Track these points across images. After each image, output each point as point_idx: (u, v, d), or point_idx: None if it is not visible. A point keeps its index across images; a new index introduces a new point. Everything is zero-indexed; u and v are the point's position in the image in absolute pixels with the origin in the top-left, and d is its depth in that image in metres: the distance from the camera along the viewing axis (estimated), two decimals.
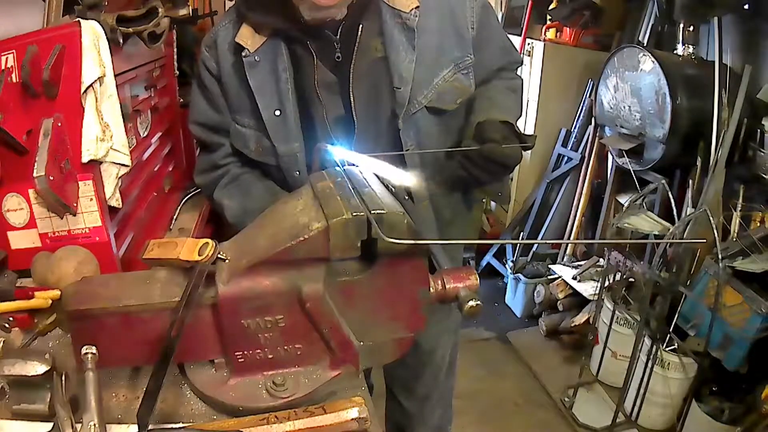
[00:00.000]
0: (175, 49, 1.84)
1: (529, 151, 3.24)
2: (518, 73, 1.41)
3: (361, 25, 1.16)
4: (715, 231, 2.03)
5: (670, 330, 2.26)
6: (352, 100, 1.19)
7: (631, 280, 2.51)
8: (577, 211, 3.23)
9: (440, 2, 1.20)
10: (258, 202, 1.23)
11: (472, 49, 1.23)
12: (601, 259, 2.91)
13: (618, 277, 2.51)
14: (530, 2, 3.52)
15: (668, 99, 2.40)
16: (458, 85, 1.23)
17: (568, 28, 3.31)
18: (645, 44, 2.83)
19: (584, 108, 3.23)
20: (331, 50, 1.18)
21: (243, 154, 1.29)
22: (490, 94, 1.28)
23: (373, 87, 1.19)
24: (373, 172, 0.90)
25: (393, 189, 1.03)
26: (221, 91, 1.26)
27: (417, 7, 1.15)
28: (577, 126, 3.27)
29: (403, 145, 1.20)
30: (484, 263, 3.69)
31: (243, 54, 1.17)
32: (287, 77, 1.17)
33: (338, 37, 1.16)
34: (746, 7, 2.36)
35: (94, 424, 0.68)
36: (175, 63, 1.85)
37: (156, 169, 1.67)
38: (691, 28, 2.55)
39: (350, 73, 1.18)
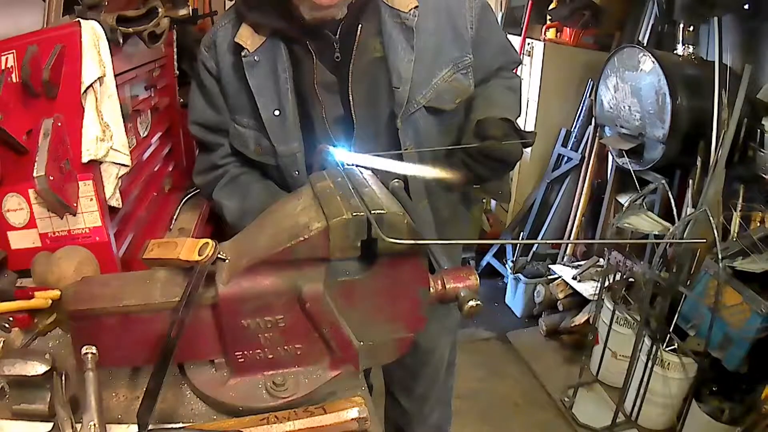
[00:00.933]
0: (175, 49, 1.84)
1: (528, 150, 3.23)
2: (517, 72, 1.41)
3: (360, 25, 1.16)
4: (715, 231, 2.03)
5: (670, 330, 2.26)
6: (351, 99, 1.19)
7: (631, 280, 2.51)
8: (577, 211, 3.23)
9: (439, 2, 1.20)
10: (256, 203, 1.23)
11: (471, 48, 1.23)
12: (601, 259, 2.91)
13: (618, 277, 2.51)
14: (530, 2, 3.51)
15: (668, 99, 2.40)
16: (457, 85, 1.23)
17: (568, 28, 3.31)
18: (645, 44, 2.82)
19: (584, 108, 3.23)
20: (331, 50, 1.17)
21: (242, 154, 1.29)
22: (489, 93, 1.28)
23: (372, 87, 1.19)
24: (371, 169, 0.91)
25: (392, 188, 1.03)
26: (220, 91, 1.25)
27: (416, 7, 1.15)
28: (577, 126, 3.27)
29: (402, 145, 1.20)
30: (484, 263, 3.69)
31: (242, 54, 1.17)
32: (287, 77, 1.17)
33: (337, 36, 1.16)
34: (746, 7, 2.36)
35: (94, 424, 0.68)
36: (175, 63, 1.85)
37: (156, 169, 1.67)
38: (691, 28, 2.55)
39: (349, 72, 1.18)
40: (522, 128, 1.10)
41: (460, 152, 1.11)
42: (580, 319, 2.83)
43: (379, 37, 1.17)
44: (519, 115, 1.33)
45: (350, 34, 1.16)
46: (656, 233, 2.28)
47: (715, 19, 2.44)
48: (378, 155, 0.97)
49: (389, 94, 1.18)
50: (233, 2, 1.27)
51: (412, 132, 1.21)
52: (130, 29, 1.25)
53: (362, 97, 1.20)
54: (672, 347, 2.26)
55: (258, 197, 1.25)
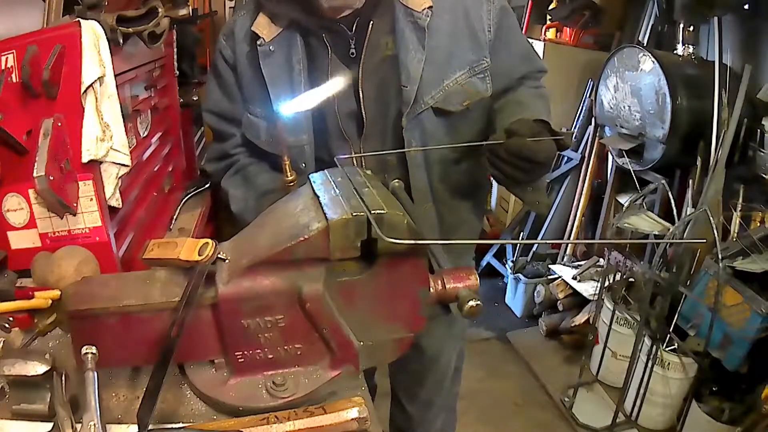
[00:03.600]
0: (175, 49, 1.84)
1: None
2: (542, 82, 1.36)
3: (371, 22, 1.16)
4: (715, 231, 2.03)
5: (670, 330, 2.26)
6: (361, 96, 1.19)
7: (631, 280, 2.51)
8: (577, 211, 3.23)
9: (455, 3, 1.19)
10: (261, 194, 1.23)
11: (489, 52, 1.21)
12: (601, 259, 2.91)
13: (618, 277, 2.51)
14: (530, 2, 3.52)
15: (668, 99, 2.40)
16: (470, 88, 1.21)
17: (568, 28, 3.32)
18: (645, 44, 2.83)
19: (584, 108, 3.23)
20: (346, 45, 1.18)
21: (253, 145, 1.30)
22: (519, 99, 1.25)
23: (382, 84, 1.19)
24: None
25: (392, 188, 1.03)
26: (236, 80, 1.26)
27: (430, 7, 1.14)
28: (577, 126, 3.27)
29: (406, 145, 1.20)
30: (484, 263, 3.69)
31: (258, 43, 1.17)
32: (300, 68, 1.17)
33: (353, 32, 1.17)
34: (746, 7, 2.37)
35: (94, 424, 0.68)
36: (175, 63, 1.86)
37: (156, 169, 1.67)
38: (691, 28, 2.55)
39: (360, 68, 1.18)
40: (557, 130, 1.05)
41: (487, 152, 1.07)
42: (580, 319, 2.83)
43: (392, 35, 1.17)
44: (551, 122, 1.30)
45: (365, 30, 1.16)
46: (656, 233, 2.28)
47: (715, 19, 2.44)
48: (385, 153, 0.96)
49: (398, 92, 1.18)
50: (233, 2, 1.28)
51: (418, 133, 1.20)
52: (130, 29, 1.25)
53: (372, 93, 1.20)
54: (672, 347, 2.26)
55: (264, 189, 1.25)
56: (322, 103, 1.18)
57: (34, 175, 1.01)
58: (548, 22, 3.43)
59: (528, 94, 1.28)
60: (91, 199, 1.15)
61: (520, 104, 1.22)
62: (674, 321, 2.26)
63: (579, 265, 3.01)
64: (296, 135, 1.21)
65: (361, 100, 1.19)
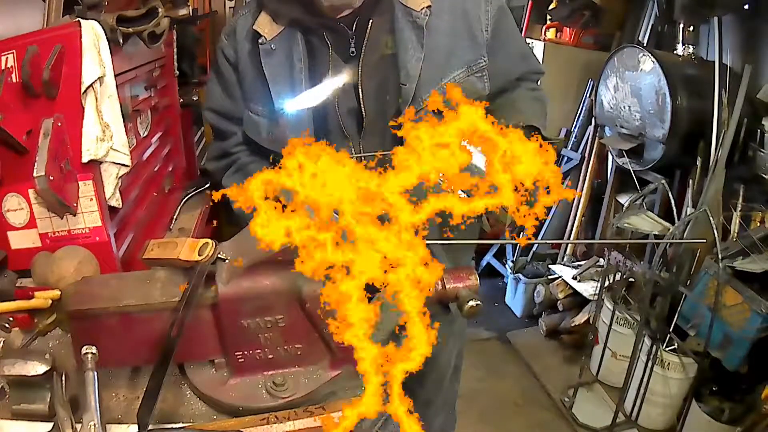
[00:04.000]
0: (175, 49, 1.84)
1: None
2: (540, 84, 1.36)
3: (371, 21, 1.17)
4: (715, 231, 2.03)
5: (670, 330, 2.26)
6: (361, 94, 1.20)
7: (631, 280, 2.51)
8: (577, 211, 3.23)
9: (454, 3, 1.20)
10: None
11: (486, 52, 1.23)
12: (601, 259, 2.91)
13: (618, 277, 2.51)
14: (530, 2, 3.52)
15: (668, 99, 2.40)
16: (468, 87, 1.22)
17: (568, 28, 3.32)
18: (645, 44, 2.83)
19: (584, 108, 3.23)
20: (346, 43, 1.19)
21: (254, 144, 1.31)
22: (514, 102, 1.26)
23: (382, 82, 1.20)
24: None
25: None
26: (237, 78, 1.27)
27: (428, 7, 1.16)
28: (577, 126, 3.27)
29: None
30: (484, 263, 3.69)
31: (259, 41, 1.18)
32: (301, 67, 1.18)
33: (353, 31, 1.18)
34: (746, 7, 2.37)
35: (94, 424, 0.68)
36: (175, 63, 1.86)
37: (156, 169, 1.67)
38: (691, 28, 2.56)
39: (359, 67, 1.19)
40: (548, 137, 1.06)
41: None
42: (580, 319, 2.83)
43: (392, 34, 1.18)
44: (545, 126, 1.29)
45: (365, 29, 1.18)
46: (656, 233, 2.28)
47: (715, 19, 2.44)
48: (384, 153, 0.96)
49: (397, 90, 1.19)
50: (233, 3, 1.28)
51: None
52: (130, 29, 1.25)
53: (372, 91, 1.21)
54: (672, 347, 2.26)
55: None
56: (322, 101, 1.19)
57: (34, 175, 1.01)
58: (548, 22, 3.43)
59: (524, 96, 1.29)
60: (91, 199, 1.15)
61: (514, 107, 1.24)
62: (674, 321, 2.27)
63: (579, 265, 3.01)
64: (297, 132, 1.22)
65: (361, 98, 1.20)
